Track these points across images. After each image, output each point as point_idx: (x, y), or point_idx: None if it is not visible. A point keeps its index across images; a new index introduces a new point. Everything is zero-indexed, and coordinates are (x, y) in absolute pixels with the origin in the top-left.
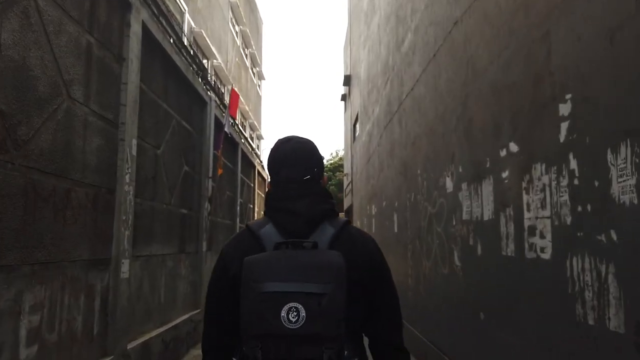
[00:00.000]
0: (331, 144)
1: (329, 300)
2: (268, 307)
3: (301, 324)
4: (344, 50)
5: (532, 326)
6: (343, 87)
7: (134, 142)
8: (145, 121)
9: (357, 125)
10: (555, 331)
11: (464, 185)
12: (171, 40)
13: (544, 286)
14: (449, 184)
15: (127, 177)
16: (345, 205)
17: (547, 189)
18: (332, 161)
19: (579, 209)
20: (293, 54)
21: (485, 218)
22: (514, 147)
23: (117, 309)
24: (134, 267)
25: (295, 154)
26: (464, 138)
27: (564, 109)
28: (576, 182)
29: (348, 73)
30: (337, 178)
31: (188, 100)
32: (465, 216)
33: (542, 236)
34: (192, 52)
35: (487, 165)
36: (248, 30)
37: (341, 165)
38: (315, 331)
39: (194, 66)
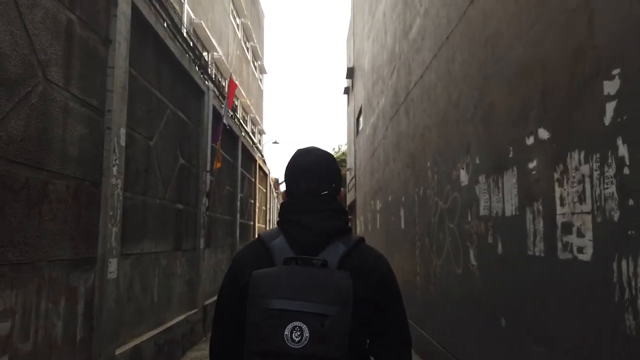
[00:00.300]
0: (334, 139)
1: (333, 322)
2: (272, 325)
3: (304, 344)
4: (347, 42)
5: (565, 336)
6: (346, 80)
7: (123, 131)
8: (135, 109)
9: (361, 119)
10: (597, 343)
11: (481, 178)
12: (165, 25)
13: (582, 291)
14: (464, 177)
15: (114, 169)
16: (348, 200)
17: (587, 180)
18: (334, 156)
19: (630, 202)
20: (295, 48)
21: (508, 214)
22: (543, 134)
23: (103, 312)
24: (123, 266)
25: (315, 167)
26: (481, 126)
27: (610, 86)
28: (626, 171)
29: (351, 65)
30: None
31: (184, 89)
32: (483, 211)
33: (581, 234)
34: (188, 39)
35: (510, 155)
36: (249, 23)
37: (344, 160)
38: (318, 352)
39: (191, 54)
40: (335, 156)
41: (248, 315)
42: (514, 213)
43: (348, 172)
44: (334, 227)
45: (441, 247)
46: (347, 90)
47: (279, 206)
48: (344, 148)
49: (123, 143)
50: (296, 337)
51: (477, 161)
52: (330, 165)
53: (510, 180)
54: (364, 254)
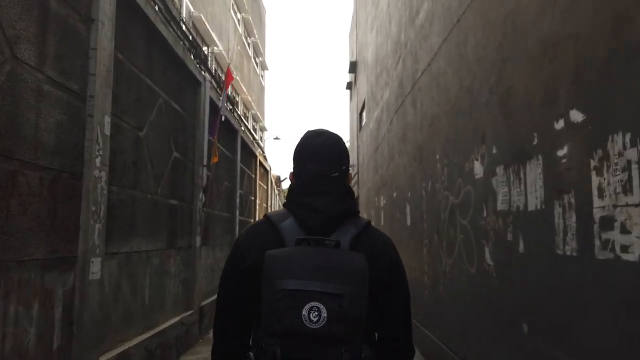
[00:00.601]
0: None
1: (350, 302)
2: (289, 305)
3: (322, 324)
4: (349, 36)
5: (605, 346)
6: (349, 74)
7: (107, 119)
8: (122, 97)
9: (364, 113)
10: None
11: (499, 169)
12: (156, 8)
13: (627, 296)
14: (478, 169)
15: (97, 160)
16: None
17: (635, 166)
18: None
19: None
20: (297, 44)
21: (531, 208)
22: (576, 116)
23: (85, 317)
24: (109, 265)
25: (326, 149)
26: (499, 112)
27: None
28: None
29: (354, 59)
30: None
31: (178, 78)
32: (501, 206)
33: (626, 230)
34: (183, 26)
35: (534, 143)
36: (250, 18)
37: None
38: (336, 332)
39: (186, 42)
40: None
41: (263, 296)
42: (538, 207)
43: (351, 169)
44: (343, 210)
45: (452, 244)
46: (349, 85)
47: (285, 193)
48: (346, 145)
49: (108, 132)
50: (314, 317)
51: (494, 151)
52: (340, 147)
53: (534, 170)
54: (373, 237)
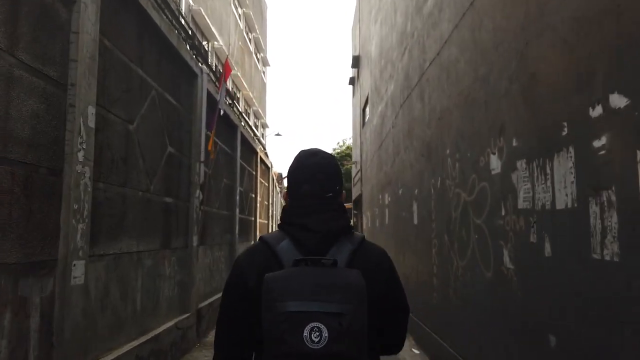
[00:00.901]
0: (338, 132)
1: (350, 321)
2: (290, 327)
3: (324, 344)
4: (352, 30)
5: None
6: (351, 69)
7: (92, 110)
8: (110, 87)
9: (367, 109)
10: None
11: (520, 164)
12: None
13: None
14: (496, 164)
15: (80, 154)
16: (354, 195)
17: None
18: (338, 150)
19: None
20: (299, 41)
21: (560, 206)
22: (618, 101)
23: (66, 326)
24: (95, 269)
25: (321, 169)
26: (521, 101)
27: None
28: None
29: (357, 54)
30: (345, 167)
31: (173, 69)
32: (522, 204)
33: None
34: (182, 20)
35: (564, 133)
36: (251, 13)
37: (349, 155)
38: (338, 352)
39: (182, 32)
40: (340, 151)
41: (264, 319)
42: (569, 205)
43: (354, 166)
44: (339, 227)
45: (464, 245)
46: (352, 81)
47: (282, 206)
48: (349, 142)
49: (92, 124)
50: (315, 337)
51: (514, 144)
52: (335, 167)
53: (564, 164)
54: (369, 251)
